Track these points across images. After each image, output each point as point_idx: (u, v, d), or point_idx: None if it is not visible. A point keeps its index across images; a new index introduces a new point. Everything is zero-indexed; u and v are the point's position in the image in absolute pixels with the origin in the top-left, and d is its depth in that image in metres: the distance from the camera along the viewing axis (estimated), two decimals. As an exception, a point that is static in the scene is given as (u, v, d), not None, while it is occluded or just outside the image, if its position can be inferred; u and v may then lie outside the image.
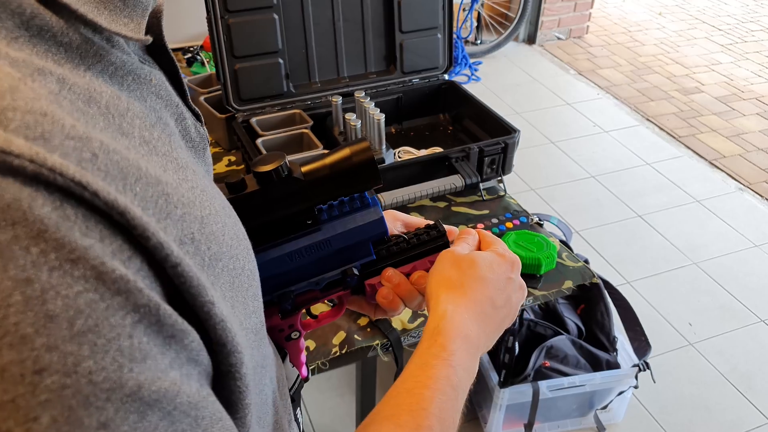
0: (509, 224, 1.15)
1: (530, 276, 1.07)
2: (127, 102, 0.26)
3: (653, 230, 2.41)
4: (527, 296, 1.05)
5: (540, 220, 1.66)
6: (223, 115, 1.35)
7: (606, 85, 3.48)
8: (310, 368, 0.92)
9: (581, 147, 2.91)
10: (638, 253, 2.30)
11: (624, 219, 2.46)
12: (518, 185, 2.62)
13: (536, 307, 1.72)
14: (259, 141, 1.24)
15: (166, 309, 0.21)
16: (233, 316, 0.27)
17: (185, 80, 1.42)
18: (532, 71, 3.57)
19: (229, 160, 1.37)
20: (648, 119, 3.18)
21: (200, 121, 0.36)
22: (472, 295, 0.45)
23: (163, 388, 0.20)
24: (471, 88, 3.35)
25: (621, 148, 2.92)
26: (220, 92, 1.36)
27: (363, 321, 0.98)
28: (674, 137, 3.04)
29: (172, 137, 0.29)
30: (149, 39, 0.29)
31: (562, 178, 2.69)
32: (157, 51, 0.31)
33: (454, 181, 1.17)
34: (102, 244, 0.20)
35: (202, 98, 1.41)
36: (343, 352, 0.94)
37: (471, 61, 3.53)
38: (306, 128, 1.30)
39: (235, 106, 1.32)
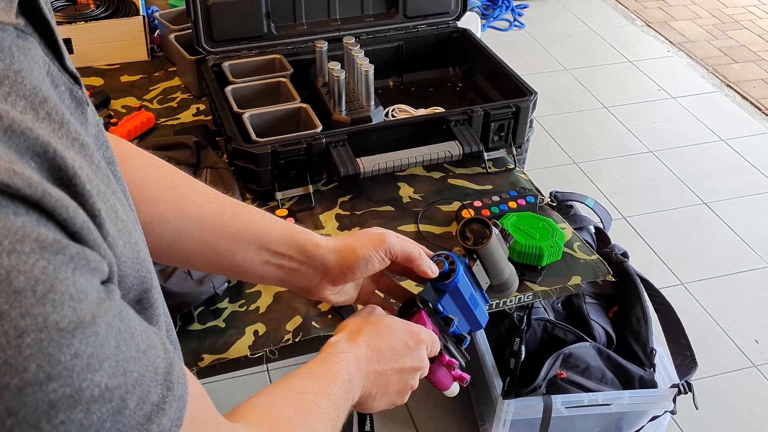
0: (513, 203, 1.16)
1: (529, 267, 1.08)
2: (27, 81, 0.34)
3: (720, 221, 2.38)
4: (526, 291, 1.07)
5: (567, 200, 1.66)
6: (194, 57, 1.37)
7: (680, 40, 3.40)
8: (256, 356, 0.96)
9: (641, 115, 2.86)
10: (698, 248, 2.27)
11: (685, 205, 2.43)
12: (556, 157, 2.60)
13: (558, 305, 1.73)
14: (228, 89, 1.26)
15: (88, 251, 0.32)
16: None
17: (157, 14, 1.45)
18: (589, 19, 3.50)
19: (198, 108, 1.40)
20: (728, 85, 3.11)
21: (78, 83, 0.41)
22: (365, 339, 0.63)
23: (103, 309, 0.31)
24: (513, 37, 3.32)
25: (690, 118, 2.87)
26: (191, 30, 1.38)
27: (324, 306, 1.00)
28: (759, 109, 2.96)
29: (58, 107, 0.36)
30: (20, 22, 0.35)
31: (612, 151, 2.66)
32: (32, 12, 0.37)
33: (450, 149, 1.18)
34: (29, 217, 0.30)
35: (172, 36, 1.44)
36: (297, 340, 0.96)
37: (514, 3, 3.48)
38: (284, 77, 1.32)
39: (207, 48, 1.34)
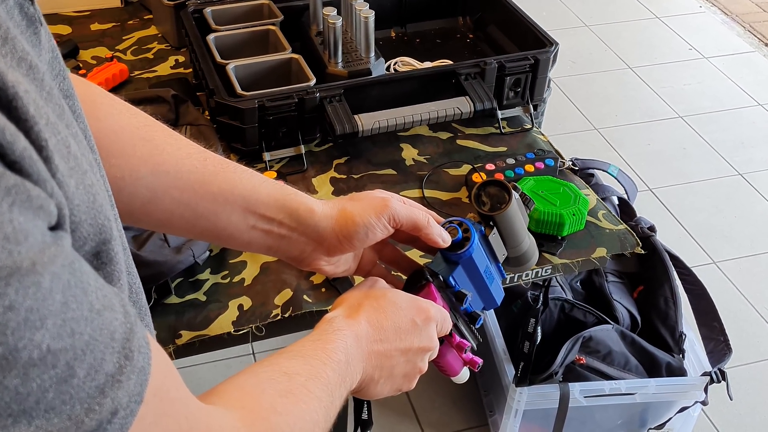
0: (530, 167, 1.14)
1: (549, 237, 1.06)
2: None
3: (757, 194, 2.36)
4: (544, 264, 1.05)
5: (588, 168, 1.63)
6: (172, 3, 1.35)
7: (715, -7, 3.38)
8: (241, 332, 0.94)
9: (670, 76, 2.84)
10: (733, 224, 2.26)
11: (718, 176, 2.41)
12: (576, 122, 2.58)
13: (577, 284, 1.71)
14: (210, 38, 1.24)
15: (29, 185, 0.29)
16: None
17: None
18: (614, -30, 3.47)
19: (176, 60, 1.38)
20: (767, 44, 3.08)
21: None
22: (365, 316, 0.61)
23: (48, 256, 0.29)
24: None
25: (725, 81, 2.84)
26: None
27: (317, 278, 0.99)
28: (801, 70, 2.94)
29: (2, 20, 0.34)
30: None
31: (638, 116, 2.64)
32: None
33: (459, 105, 1.16)
34: None
35: None
36: (287, 315, 0.95)
37: (531, -49, 3.43)
38: (273, 24, 1.29)
39: None
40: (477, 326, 0.70)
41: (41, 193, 0.29)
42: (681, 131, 2.59)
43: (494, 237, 0.70)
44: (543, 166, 1.15)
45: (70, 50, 1.35)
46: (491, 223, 0.70)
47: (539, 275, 1.07)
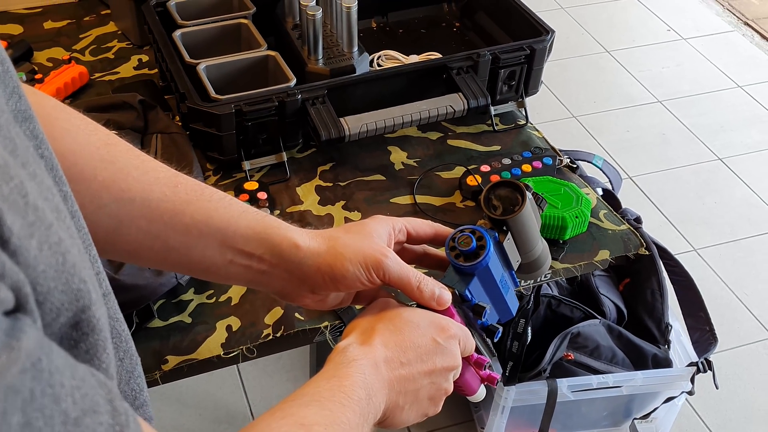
0: (527, 167, 1.12)
1: (551, 242, 1.05)
2: None
3: (737, 179, 2.39)
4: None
5: (575, 160, 1.63)
6: None
7: (691, -29, 3.39)
8: (231, 355, 0.91)
9: (648, 59, 2.85)
10: (713, 210, 2.28)
11: (698, 162, 2.44)
12: (553, 110, 2.57)
13: (562, 279, 1.72)
14: (177, 35, 1.19)
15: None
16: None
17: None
18: (588, -53, 3.46)
19: (140, 60, 1.33)
20: (746, 23, 3.10)
21: None
22: (382, 340, 0.58)
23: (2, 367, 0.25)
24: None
25: (704, 62, 2.86)
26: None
27: (310, 295, 0.97)
28: (779, 50, 2.98)
29: None
30: None
31: (616, 101, 2.64)
32: None
33: (452, 103, 1.13)
34: None
35: None
36: (278, 335, 0.93)
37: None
38: (245, 18, 1.25)
39: None
40: (495, 340, 0.68)
41: None
42: (660, 116, 2.61)
43: (508, 243, 0.68)
44: (541, 166, 1.13)
45: (23, 52, 1.29)
46: (504, 228, 0.68)
47: (539, 280, 1.06)
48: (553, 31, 1.23)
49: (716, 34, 3.03)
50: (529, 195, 0.67)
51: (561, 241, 1.05)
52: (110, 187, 0.57)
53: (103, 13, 1.43)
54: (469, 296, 0.65)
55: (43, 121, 0.46)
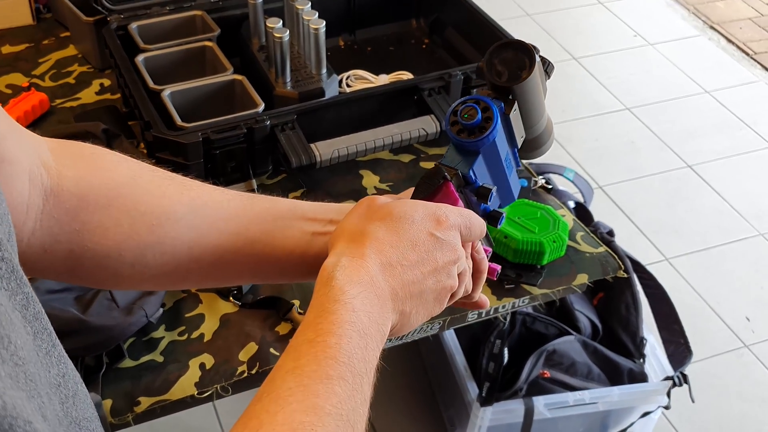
0: (499, 191, 1.14)
1: (527, 267, 1.06)
2: None
3: (707, 186, 2.43)
4: (523, 296, 1.05)
5: (546, 175, 1.65)
6: (91, 18, 1.29)
7: (655, -24, 3.44)
8: (206, 394, 0.91)
9: (615, 66, 2.88)
10: (684, 218, 2.32)
11: (667, 170, 2.47)
12: (523, 119, 2.59)
13: (538, 296, 1.74)
14: (139, 59, 1.19)
15: None
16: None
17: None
18: (553, -47, 3.50)
19: (101, 84, 1.32)
20: (712, 27, 3.16)
21: None
22: (375, 245, 0.53)
23: None
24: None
25: (671, 68, 2.90)
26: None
27: (283, 329, 0.97)
28: (747, 54, 3.03)
29: None
30: None
31: (584, 110, 2.67)
32: None
33: (425, 126, 1.14)
34: None
35: None
36: (253, 372, 0.93)
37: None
38: (210, 40, 1.25)
39: (108, 5, 1.26)
40: (499, 226, 0.63)
41: None
42: (629, 124, 2.64)
43: (515, 114, 0.62)
44: (514, 189, 1.14)
45: (-19, 78, 1.27)
46: (510, 97, 0.61)
47: (516, 306, 1.07)
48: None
49: (682, 39, 3.08)
50: (537, 57, 0.61)
51: (539, 266, 1.06)
52: (180, 198, 0.58)
53: (62, 35, 1.42)
54: (473, 177, 0.59)
55: (85, 159, 0.51)
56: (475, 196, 0.60)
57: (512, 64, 0.60)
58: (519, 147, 0.65)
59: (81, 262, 0.55)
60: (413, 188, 0.61)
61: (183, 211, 0.58)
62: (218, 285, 0.92)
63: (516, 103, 0.61)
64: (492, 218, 0.62)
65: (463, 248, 0.57)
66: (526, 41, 0.60)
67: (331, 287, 0.50)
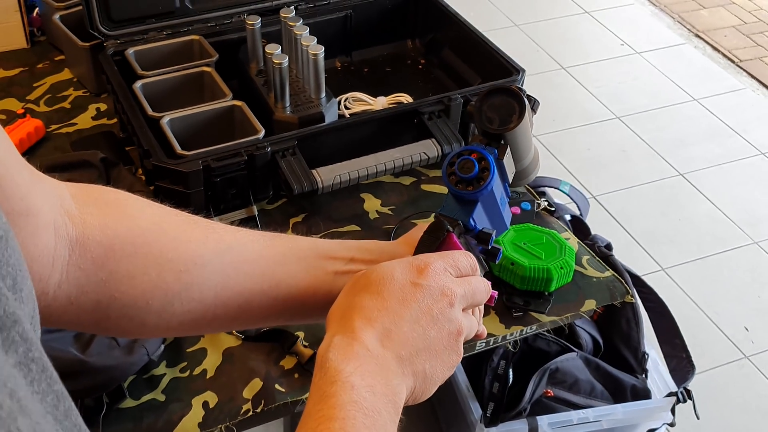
0: (504, 214, 1.12)
1: (535, 294, 1.04)
2: None
3: (699, 195, 2.44)
4: (531, 324, 1.03)
5: (545, 192, 1.64)
6: (87, 44, 1.28)
7: (640, -16, 3.47)
8: (208, 432, 0.88)
9: (603, 75, 2.90)
10: (678, 227, 2.33)
11: (660, 178, 2.48)
12: (515, 130, 2.59)
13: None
14: (137, 86, 1.17)
15: None
16: None
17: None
18: (538, -37, 3.52)
19: (98, 109, 1.30)
20: (697, 35, 3.19)
21: None
22: (363, 315, 0.53)
23: None
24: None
25: (659, 76, 2.92)
26: (81, 8, 1.27)
27: (288, 363, 0.95)
28: (732, 61, 3.06)
29: None
30: None
31: (575, 119, 2.68)
32: None
33: (426, 150, 1.13)
34: None
35: (57, 16, 1.34)
36: (258, 410, 0.90)
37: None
38: (208, 65, 1.23)
39: (104, 30, 1.25)
40: (497, 261, 0.65)
41: None
42: (619, 133, 2.65)
43: (507, 157, 0.64)
44: (519, 211, 1.13)
45: (-27, 105, 1.25)
46: (503, 141, 0.63)
47: (525, 333, 1.05)
48: (524, 70, 1.24)
49: (669, 47, 3.11)
50: (525, 101, 0.62)
51: (546, 293, 1.04)
52: (206, 242, 0.57)
53: (57, 59, 1.40)
54: (473, 224, 0.61)
55: (112, 209, 0.51)
56: (474, 240, 0.62)
57: (502, 109, 0.62)
58: (510, 182, 0.67)
59: (107, 313, 0.54)
60: (409, 233, 0.63)
61: (209, 255, 0.57)
62: (243, 328, 0.91)
63: (508, 147, 0.63)
64: (490, 255, 0.63)
65: (458, 286, 0.56)
66: (514, 88, 0.62)
67: (326, 370, 0.49)
